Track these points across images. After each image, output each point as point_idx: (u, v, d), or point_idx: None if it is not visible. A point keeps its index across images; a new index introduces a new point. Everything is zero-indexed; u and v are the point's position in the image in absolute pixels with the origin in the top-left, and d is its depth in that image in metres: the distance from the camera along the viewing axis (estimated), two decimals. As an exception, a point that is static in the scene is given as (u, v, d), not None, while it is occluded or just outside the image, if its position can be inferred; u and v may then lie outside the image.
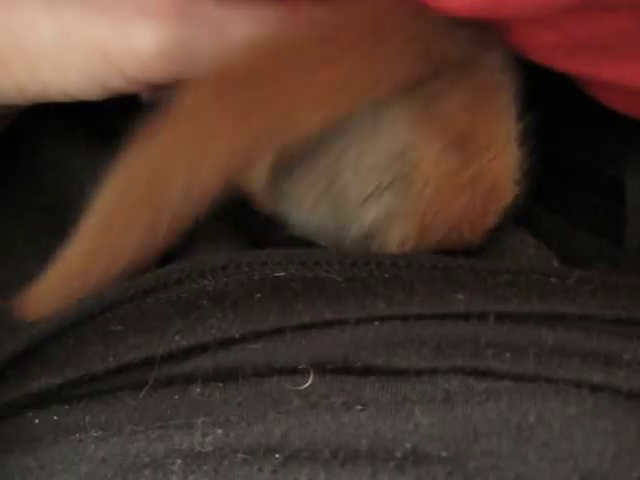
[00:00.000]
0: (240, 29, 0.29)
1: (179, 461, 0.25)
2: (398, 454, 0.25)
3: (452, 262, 0.30)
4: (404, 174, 0.31)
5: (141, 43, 0.29)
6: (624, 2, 0.25)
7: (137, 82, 0.30)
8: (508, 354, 0.27)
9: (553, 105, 0.33)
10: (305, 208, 0.32)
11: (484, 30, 0.30)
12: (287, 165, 0.31)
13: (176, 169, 0.28)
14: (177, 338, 0.27)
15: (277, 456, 0.25)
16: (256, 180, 0.32)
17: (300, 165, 0.31)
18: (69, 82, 0.30)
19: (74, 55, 0.29)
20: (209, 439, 0.25)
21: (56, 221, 0.35)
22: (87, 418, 0.27)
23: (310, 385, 0.27)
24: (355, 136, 0.31)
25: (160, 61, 0.29)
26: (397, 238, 0.32)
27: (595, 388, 0.26)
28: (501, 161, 0.32)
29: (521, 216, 0.34)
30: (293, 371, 0.27)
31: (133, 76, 0.30)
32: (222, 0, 0.29)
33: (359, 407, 0.26)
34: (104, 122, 0.35)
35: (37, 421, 0.28)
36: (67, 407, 0.28)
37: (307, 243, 0.32)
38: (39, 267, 0.34)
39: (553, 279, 0.29)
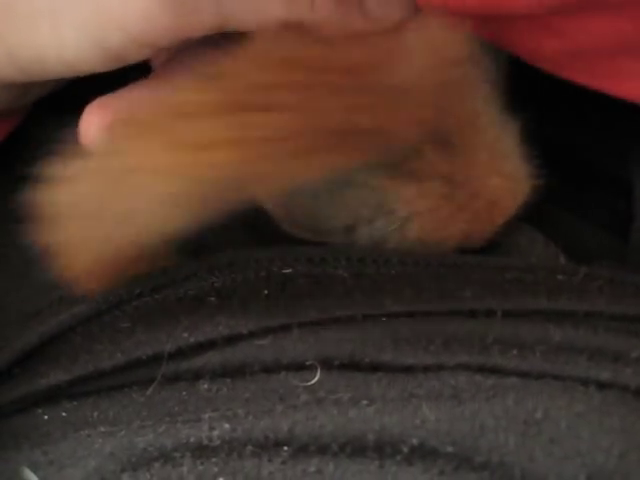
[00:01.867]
0: None
1: (188, 454, 0.25)
2: (405, 449, 0.25)
3: (459, 259, 0.30)
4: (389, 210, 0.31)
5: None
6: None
7: (139, 41, 0.27)
8: (515, 351, 0.27)
9: (558, 104, 0.33)
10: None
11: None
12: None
13: None
14: (185, 334, 0.28)
15: (286, 449, 0.25)
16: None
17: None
18: (66, 45, 0.28)
19: (69, 11, 0.27)
20: (217, 433, 0.25)
21: None
22: (95, 414, 0.27)
23: (317, 381, 0.27)
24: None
25: (161, 12, 0.26)
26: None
27: (602, 385, 0.26)
28: (495, 175, 0.32)
29: (529, 213, 0.34)
30: (300, 367, 0.27)
31: (133, 32, 0.27)
32: None
33: (366, 402, 0.26)
34: None
35: (46, 417, 0.28)
36: (75, 403, 0.28)
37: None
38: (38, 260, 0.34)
39: (560, 276, 0.29)
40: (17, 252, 0.36)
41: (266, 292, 0.28)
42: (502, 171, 0.32)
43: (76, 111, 0.34)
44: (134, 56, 0.28)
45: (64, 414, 0.28)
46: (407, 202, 0.31)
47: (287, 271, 0.29)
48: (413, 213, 0.31)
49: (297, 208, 0.32)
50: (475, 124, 0.31)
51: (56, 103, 0.37)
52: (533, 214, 0.34)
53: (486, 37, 0.28)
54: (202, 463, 0.25)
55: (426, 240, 0.31)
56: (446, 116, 0.30)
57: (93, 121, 0.28)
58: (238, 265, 0.29)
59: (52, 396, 0.29)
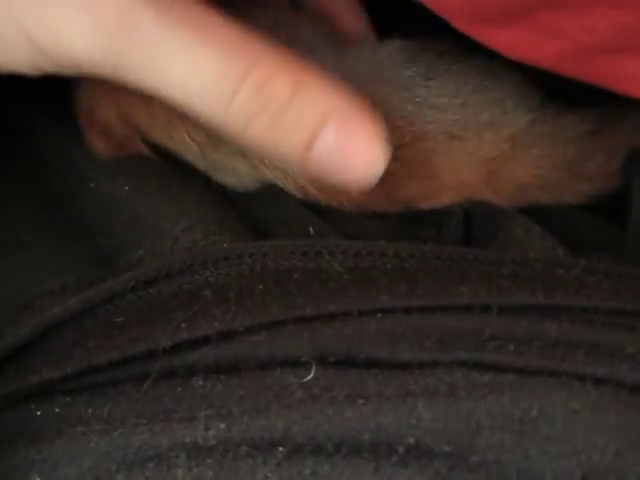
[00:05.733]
0: (178, 58, 0.26)
1: (183, 455, 0.25)
2: (401, 448, 0.25)
3: (455, 253, 0.30)
4: None
5: (70, 40, 0.26)
6: None
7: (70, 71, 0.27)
8: (511, 347, 0.27)
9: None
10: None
11: None
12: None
13: None
14: (179, 330, 0.27)
15: (281, 449, 0.25)
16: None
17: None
18: None
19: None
20: (212, 433, 0.25)
21: (56, 210, 0.35)
22: (90, 410, 0.27)
23: (312, 378, 0.27)
24: None
25: (89, 62, 0.26)
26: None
27: (599, 381, 0.26)
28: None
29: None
30: (295, 364, 0.27)
31: (64, 66, 0.27)
32: (164, 15, 0.26)
33: (361, 401, 0.26)
34: None
35: (39, 413, 0.28)
36: (69, 399, 0.28)
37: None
38: (37, 255, 0.34)
39: (557, 270, 0.29)
40: (4, 242, 0.36)
41: (261, 287, 0.28)
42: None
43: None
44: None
45: (57, 410, 0.28)
46: None
47: (282, 265, 0.28)
48: None
49: None
50: None
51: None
52: (530, 204, 0.34)
53: (483, 41, 0.28)
54: (197, 465, 0.25)
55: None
56: None
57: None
58: (232, 259, 0.29)
59: (45, 392, 0.28)
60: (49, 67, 0.27)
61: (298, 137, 0.27)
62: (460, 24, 0.28)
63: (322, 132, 0.27)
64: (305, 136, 0.27)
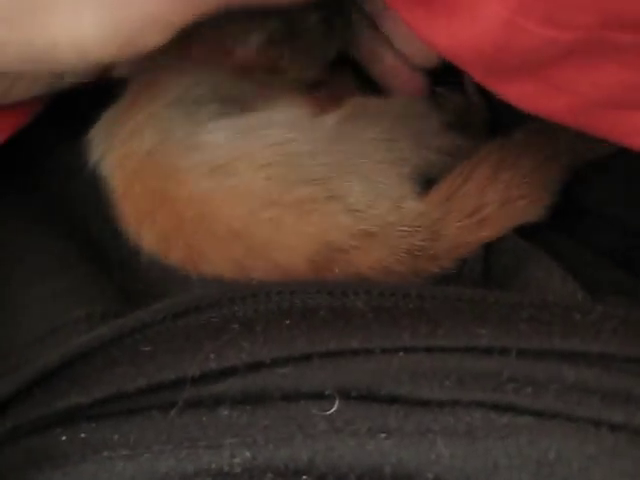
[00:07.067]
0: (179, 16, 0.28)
1: None
2: None
3: (477, 295, 0.30)
4: None
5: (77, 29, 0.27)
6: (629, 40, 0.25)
7: (157, 20, 0.28)
8: (529, 389, 0.27)
9: None
10: None
11: None
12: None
13: None
14: (208, 360, 0.28)
15: (304, 478, 0.25)
16: None
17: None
18: (84, 26, 0.28)
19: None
20: (237, 460, 0.26)
21: (58, 215, 0.36)
22: (115, 437, 0.28)
23: (335, 410, 0.27)
24: None
25: (98, 47, 0.28)
26: None
27: (614, 427, 0.27)
28: None
29: (546, 246, 0.35)
30: (319, 396, 0.27)
31: (153, 10, 0.28)
32: None
33: (383, 435, 0.26)
34: None
35: (64, 438, 0.28)
36: (94, 425, 0.28)
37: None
38: (62, 284, 0.35)
39: (575, 314, 0.30)
40: (33, 267, 0.36)
41: (287, 322, 0.29)
42: None
43: (76, 127, 0.35)
44: (149, 41, 0.28)
45: (83, 435, 0.28)
46: None
47: (309, 303, 0.29)
48: None
49: None
50: None
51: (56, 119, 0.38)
52: (551, 247, 0.35)
53: (498, 93, 0.29)
54: None
55: None
56: None
57: None
58: (260, 296, 0.30)
59: (71, 417, 0.29)
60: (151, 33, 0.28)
61: None
62: (477, 74, 0.29)
63: None
64: None
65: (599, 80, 0.27)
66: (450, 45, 0.27)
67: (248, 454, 0.26)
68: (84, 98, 0.36)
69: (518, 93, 0.28)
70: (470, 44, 0.26)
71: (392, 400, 0.27)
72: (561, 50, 0.26)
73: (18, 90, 0.34)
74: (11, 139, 0.35)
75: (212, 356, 0.28)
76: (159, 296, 0.32)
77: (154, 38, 0.29)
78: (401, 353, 0.28)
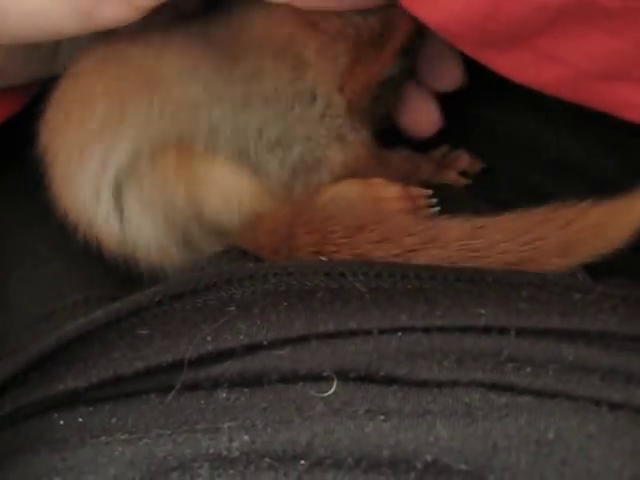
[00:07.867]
0: None
1: (206, 465, 0.25)
2: (419, 465, 0.25)
3: (475, 275, 0.30)
4: None
5: None
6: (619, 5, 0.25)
7: None
8: (528, 369, 0.27)
9: None
10: None
11: None
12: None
13: None
14: (205, 342, 0.28)
15: (302, 462, 0.25)
16: None
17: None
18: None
19: None
20: (235, 444, 0.26)
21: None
22: (113, 420, 0.28)
23: (333, 392, 0.27)
24: None
25: (53, 18, 0.27)
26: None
27: (614, 406, 0.27)
28: None
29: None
30: (317, 378, 0.27)
31: None
32: None
33: (381, 417, 0.26)
34: None
35: (62, 422, 0.28)
36: (92, 409, 0.28)
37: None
38: (58, 268, 0.35)
39: (575, 294, 0.30)
40: (29, 252, 0.36)
41: (285, 304, 0.29)
42: None
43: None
44: (107, 15, 0.28)
45: (80, 420, 0.28)
46: None
47: (306, 285, 0.29)
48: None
49: None
50: None
51: None
52: None
53: (490, 65, 0.29)
54: (219, 475, 0.25)
55: None
56: None
57: None
58: (257, 278, 0.29)
59: (68, 401, 0.29)
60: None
61: None
62: (469, 49, 0.29)
63: None
64: None
65: (589, 49, 0.27)
66: (441, 19, 0.27)
67: (247, 438, 0.26)
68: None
69: (509, 64, 0.28)
70: (459, 16, 0.26)
71: (390, 381, 0.27)
72: (550, 16, 0.26)
73: (7, 74, 0.33)
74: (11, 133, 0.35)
75: (209, 338, 0.28)
76: (155, 279, 0.31)
77: (113, 13, 0.28)
78: (399, 334, 0.28)
